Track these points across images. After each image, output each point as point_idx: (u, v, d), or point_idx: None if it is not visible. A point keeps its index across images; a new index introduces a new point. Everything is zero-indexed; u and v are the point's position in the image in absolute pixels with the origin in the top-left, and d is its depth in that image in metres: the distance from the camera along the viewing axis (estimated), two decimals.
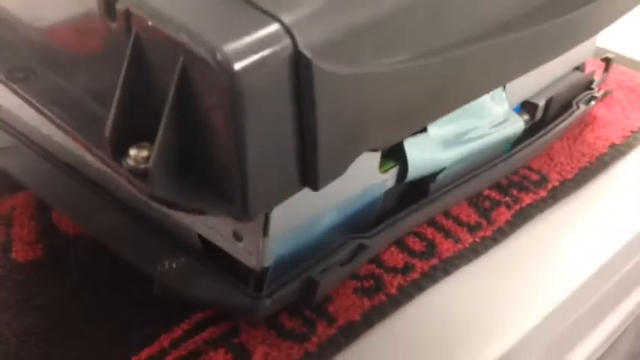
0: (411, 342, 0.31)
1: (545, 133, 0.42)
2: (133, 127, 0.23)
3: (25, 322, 0.30)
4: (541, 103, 0.43)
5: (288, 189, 0.24)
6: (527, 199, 0.40)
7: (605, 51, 0.53)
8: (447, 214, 0.38)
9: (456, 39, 0.28)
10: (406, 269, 0.34)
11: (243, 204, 0.23)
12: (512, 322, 0.33)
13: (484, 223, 0.38)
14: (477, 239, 0.37)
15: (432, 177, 0.35)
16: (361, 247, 0.31)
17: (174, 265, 0.29)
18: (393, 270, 0.34)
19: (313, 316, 0.31)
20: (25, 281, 0.32)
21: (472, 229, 0.37)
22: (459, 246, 0.36)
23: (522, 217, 0.39)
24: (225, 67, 0.21)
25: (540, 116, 0.44)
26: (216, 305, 0.29)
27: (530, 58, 0.33)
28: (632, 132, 0.47)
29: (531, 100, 0.43)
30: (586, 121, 0.47)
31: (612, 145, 0.45)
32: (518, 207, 0.39)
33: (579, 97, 0.46)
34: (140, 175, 0.23)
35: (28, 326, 0.30)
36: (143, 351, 0.28)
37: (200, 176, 0.24)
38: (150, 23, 0.22)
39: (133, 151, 0.24)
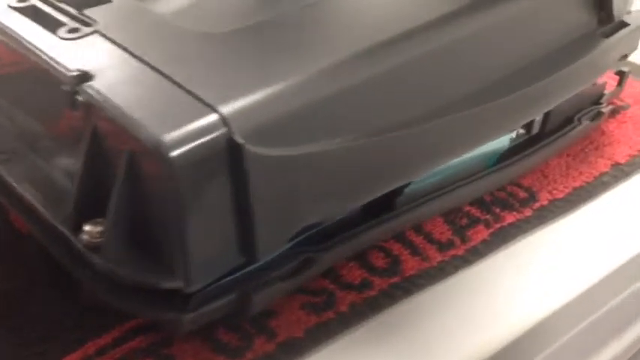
0: None
1: (536, 150, 0.40)
2: (92, 207, 0.26)
3: None
4: (537, 117, 0.40)
5: (229, 261, 0.26)
6: (510, 217, 0.37)
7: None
8: (419, 230, 0.36)
9: (396, 120, 0.28)
10: (363, 286, 0.32)
11: (186, 277, 0.25)
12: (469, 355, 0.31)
13: (457, 241, 0.35)
14: (447, 258, 0.34)
15: (399, 190, 0.33)
16: (307, 262, 0.30)
17: None
18: (349, 286, 0.32)
19: (253, 330, 0.30)
20: None
21: (443, 247, 0.35)
22: (426, 264, 0.34)
23: (501, 237, 0.36)
24: (162, 154, 0.23)
25: (538, 130, 0.41)
26: (139, 316, 0.28)
27: (481, 133, 0.33)
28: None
29: None
30: (592, 138, 0.44)
31: (615, 165, 0.42)
32: (498, 226, 0.37)
33: (583, 112, 0.43)
34: (94, 248, 0.26)
35: None
36: (65, 358, 0.27)
37: (150, 254, 0.26)
38: (104, 114, 0.24)
39: (87, 227, 0.26)
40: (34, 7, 0.30)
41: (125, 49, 0.27)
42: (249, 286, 0.28)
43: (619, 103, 0.48)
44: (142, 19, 0.29)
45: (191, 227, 0.24)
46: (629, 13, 0.42)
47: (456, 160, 0.35)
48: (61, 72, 0.26)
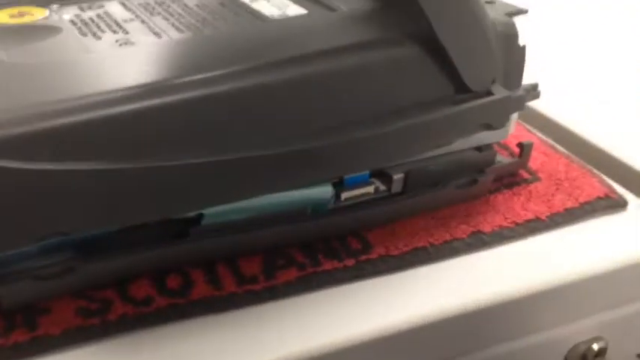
0: None
1: (376, 205, 0.40)
2: None
3: None
4: (397, 175, 0.41)
5: None
6: (328, 265, 0.38)
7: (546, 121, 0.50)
8: (231, 262, 0.38)
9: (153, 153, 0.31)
10: (143, 302, 0.35)
11: None
12: None
13: (261, 278, 0.37)
14: (240, 291, 0.36)
15: (195, 219, 0.36)
16: (69, 268, 0.33)
17: None
18: (130, 300, 0.35)
19: (19, 321, 0.33)
20: None
21: (244, 280, 0.37)
22: (216, 293, 0.36)
23: (308, 282, 0.37)
24: None
25: (400, 190, 0.42)
26: None
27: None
28: (515, 223, 0.43)
29: (386, 170, 0.41)
30: (469, 205, 0.44)
31: (475, 233, 0.42)
32: (311, 271, 0.38)
33: (454, 178, 0.43)
34: None
35: None
36: None
37: None
38: None
39: None
40: None
41: None
42: (6, 279, 0.32)
43: (526, 175, 0.47)
44: None
45: None
46: (516, 86, 0.42)
47: (269, 202, 0.37)
48: None
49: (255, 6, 0.42)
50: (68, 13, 0.40)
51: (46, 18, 0.39)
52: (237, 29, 0.39)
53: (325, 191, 0.38)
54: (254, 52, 0.36)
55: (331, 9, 0.41)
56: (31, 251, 0.32)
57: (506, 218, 0.43)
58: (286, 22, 0.40)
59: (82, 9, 0.41)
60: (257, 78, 0.34)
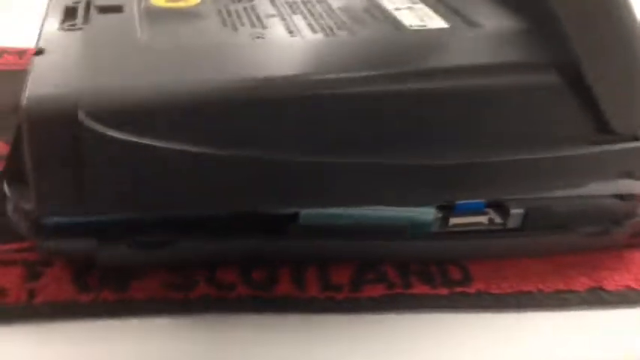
0: None
1: (477, 238, 0.38)
2: None
3: None
4: (516, 210, 0.38)
5: (71, 206, 0.32)
6: (419, 289, 0.36)
7: None
8: (321, 266, 0.37)
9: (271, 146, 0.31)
10: (227, 287, 0.36)
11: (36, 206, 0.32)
12: None
13: (347, 288, 0.36)
14: (321, 296, 0.36)
15: (293, 217, 0.36)
16: (165, 243, 0.35)
17: None
18: (216, 284, 0.36)
19: (111, 281, 0.35)
20: None
21: (328, 287, 0.36)
22: (296, 293, 0.36)
23: (394, 302, 0.36)
24: (22, 110, 0.30)
25: (517, 225, 0.39)
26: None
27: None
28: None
29: (503, 202, 0.39)
30: (598, 258, 0.40)
31: (595, 289, 0.37)
32: (399, 291, 0.36)
33: (585, 224, 0.39)
34: None
35: None
36: None
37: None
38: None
39: None
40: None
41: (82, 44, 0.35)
42: (104, 240, 0.34)
43: None
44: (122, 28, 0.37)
45: (39, 168, 0.31)
46: None
47: (369, 213, 0.36)
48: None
49: (398, 15, 0.41)
50: (219, 4, 0.42)
51: (197, 5, 0.42)
52: (372, 35, 0.39)
53: (426, 212, 0.36)
54: (382, 59, 0.36)
55: (474, 25, 0.39)
56: (132, 220, 0.34)
57: (637, 279, 0.38)
58: (423, 33, 0.39)
59: (233, 1, 0.43)
60: (384, 85, 0.33)
